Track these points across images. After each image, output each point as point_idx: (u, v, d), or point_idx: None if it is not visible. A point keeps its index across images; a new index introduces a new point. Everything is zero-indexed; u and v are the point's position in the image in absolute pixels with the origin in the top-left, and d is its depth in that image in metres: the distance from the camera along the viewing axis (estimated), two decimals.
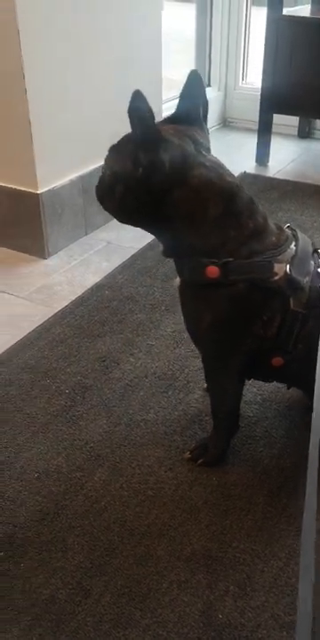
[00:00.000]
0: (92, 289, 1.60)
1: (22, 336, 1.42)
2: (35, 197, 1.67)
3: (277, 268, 0.93)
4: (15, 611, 0.86)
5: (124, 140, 0.94)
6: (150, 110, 0.87)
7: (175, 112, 0.97)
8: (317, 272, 0.97)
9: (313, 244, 1.01)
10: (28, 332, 1.44)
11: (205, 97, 0.97)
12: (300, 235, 0.99)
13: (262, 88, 2.30)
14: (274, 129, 2.42)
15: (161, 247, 1.01)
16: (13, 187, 1.70)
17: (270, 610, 0.86)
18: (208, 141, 0.96)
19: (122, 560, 0.92)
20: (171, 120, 0.96)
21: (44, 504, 1.01)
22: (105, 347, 1.38)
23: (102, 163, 0.98)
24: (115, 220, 1.00)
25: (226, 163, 0.97)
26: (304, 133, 2.68)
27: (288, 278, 0.93)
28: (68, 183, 1.75)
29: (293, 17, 2.27)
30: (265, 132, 2.39)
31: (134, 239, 1.77)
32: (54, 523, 0.98)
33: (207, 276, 0.93)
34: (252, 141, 2.46)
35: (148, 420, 1.18)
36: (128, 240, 1.80)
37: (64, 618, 0.85)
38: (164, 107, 1.95)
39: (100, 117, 1.79)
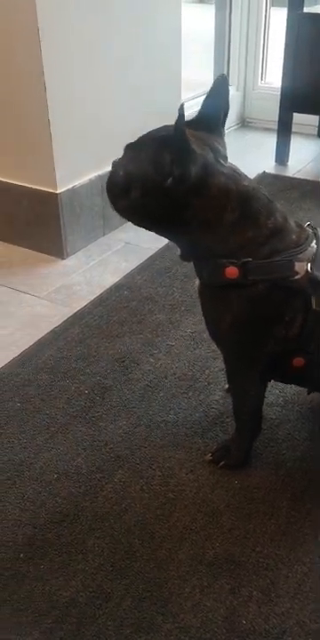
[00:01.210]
0: (110, 289, 1.59)
1: (41, 336, 1.41)
2: (54, 197, 1.67)
3: (298, 266, 0.91)
4: (36, 613, 0.85)
5: (146, 142, 0.92)
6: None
7: (197, 116, 0.96)
8: None
9: None
10: (46, 332, 1.43)
11: (228, 103, 0.96)
12: None
13: (282, 87, 2.27)
14: (293, 128, 2.39)
15: (178, 251, 1.00)
16: (32, 187, 1.69)
17: (295, 616, 0.84)
18: (225, 149, 0.95)
19: (143, 563, 0.91)
20: (191, 124, 0.94)
21: (63, 505, 1.00)
22: (124, 347, 1.37)
23: None
24: None
25: (245, 163, 0.96)
26: None
27: (310, 277, 0.91)
28: (86, 183, 1.75)
29: (314, 15, 2.24)
30: (284, 131, 2.37)
31: (153, 239, 1.73)
32: (74, 524, 0.97)
33: (226, 277, 0.92)
34: (271, 141, 2.44)
35: (169, 421, 1.16)
36: (146, 240, 1.79)
37: (85, 621, 0.84)
38: None
39: (119, 117, 1.78)
